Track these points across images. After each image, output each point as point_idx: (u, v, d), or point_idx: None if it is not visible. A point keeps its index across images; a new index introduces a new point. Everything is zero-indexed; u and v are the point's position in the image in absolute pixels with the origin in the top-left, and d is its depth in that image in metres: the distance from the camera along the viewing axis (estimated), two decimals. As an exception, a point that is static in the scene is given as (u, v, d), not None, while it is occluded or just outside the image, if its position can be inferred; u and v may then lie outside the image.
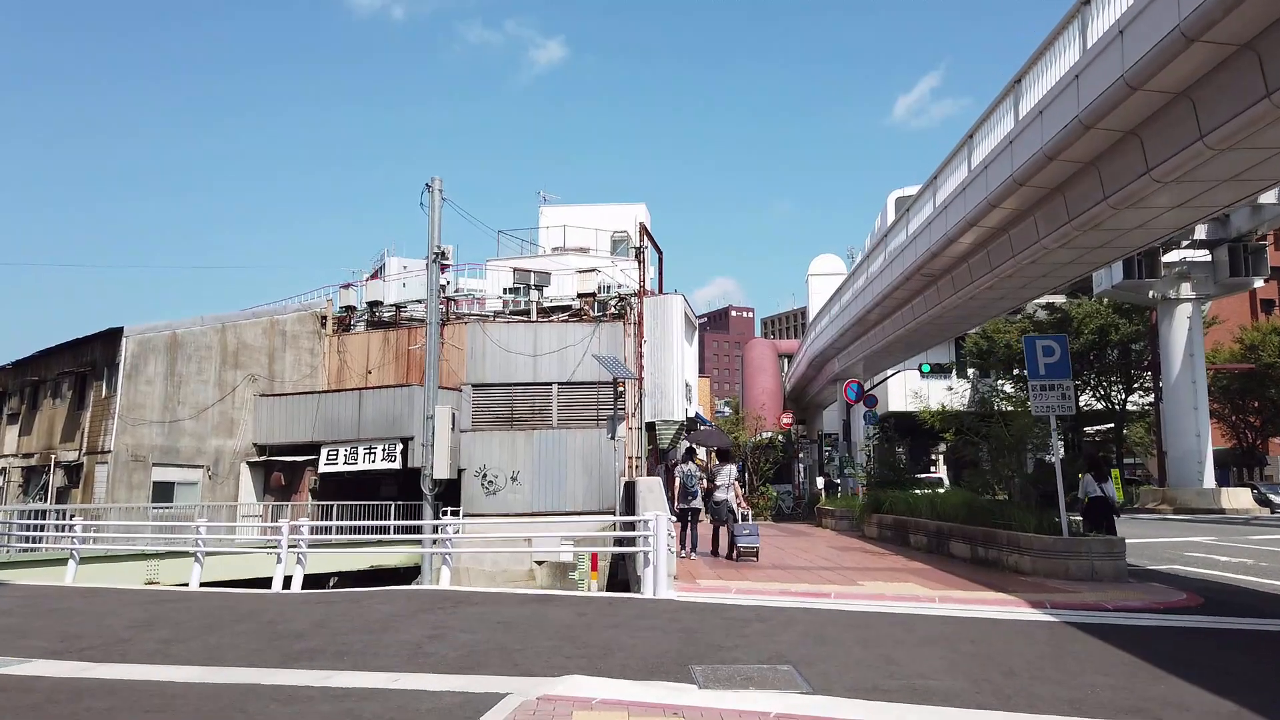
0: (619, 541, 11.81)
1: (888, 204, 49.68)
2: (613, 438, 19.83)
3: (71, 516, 25.23)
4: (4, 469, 31.92)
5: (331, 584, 27.00)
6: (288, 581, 11.17)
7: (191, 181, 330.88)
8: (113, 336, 26.85)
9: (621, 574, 24.53)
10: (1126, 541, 12.59)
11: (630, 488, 15.18)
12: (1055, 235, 15.66)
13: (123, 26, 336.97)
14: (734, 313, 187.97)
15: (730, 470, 15.15)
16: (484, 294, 32.16)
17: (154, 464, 26.83)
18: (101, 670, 6.50)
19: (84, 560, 18.26)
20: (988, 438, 16.10)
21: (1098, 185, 13.82)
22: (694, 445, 19.95)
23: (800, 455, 40.07)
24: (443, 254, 17.02)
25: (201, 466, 28.10)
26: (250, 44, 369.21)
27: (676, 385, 30.17)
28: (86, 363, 28.16)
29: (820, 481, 29.53)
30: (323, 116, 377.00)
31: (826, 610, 9.13)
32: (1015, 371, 44.61)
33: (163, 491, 26.97)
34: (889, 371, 37.35)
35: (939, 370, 42.09)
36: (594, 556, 26.85)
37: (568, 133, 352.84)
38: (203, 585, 21.13)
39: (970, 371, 49.81)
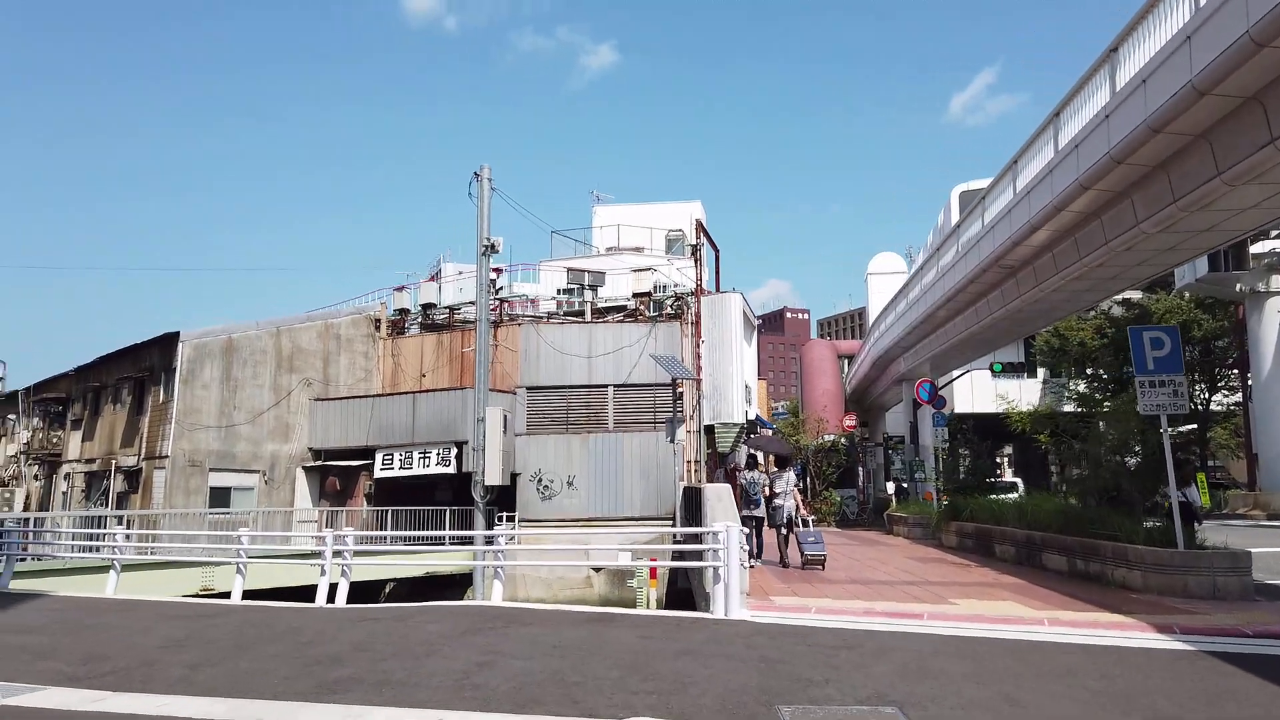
0: (683, 555, 10.86)
1: (951, 199, 48.01)
2: (672, 441, 18.92)
3: (129, 524, 25.23)
4: (69, 474, 32.28)
5: (387, 589, 26.62)
6: (333, 593, 10.49)
7: (253, 178, 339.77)
8: (169, 341, 26.83)
9: (682, 582, 23.62)
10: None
11: (693, 494, 14.27)
12: (1156, 219, 14.32)
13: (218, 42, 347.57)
14: (789, 314, 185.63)
15: (790, 476, 14.92)
16: (538, 296, 31.52)
17: (210, 469, 26.72)
18: (114, 702, 5.81)
19: (137, 568, 18.01)
20: (1088, 440, 14.79)
21: (1209, 160, 12.50)
22: (756, 451, 18.92)
23: (865, 459, 38.65)
24: (492, 246, 16.31)
25: (257, 471, 27.94)
26: (305, 47, 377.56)
27: (736, 387, 29.14)
28: (145, 368, 28.22)
29: (890, 486, 28.18)
30: (374, 119, 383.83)
31: (922, 635, 8.10)
32: (1088, 371, 42.56)
33: (219, 496, 26.85)
34: (955, 372, 35.80)
35: (1009, 370, 40.29)
36: (653, 568, 26.11)
37: (619, 137, 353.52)
38: (252, 593, 20.80)
39: (1040, 371, 47.79)
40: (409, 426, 27.60)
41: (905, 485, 28.32)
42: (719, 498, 9.01)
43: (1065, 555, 13.43)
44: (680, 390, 20.62)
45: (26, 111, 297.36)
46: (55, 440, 33.81)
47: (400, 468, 27.21)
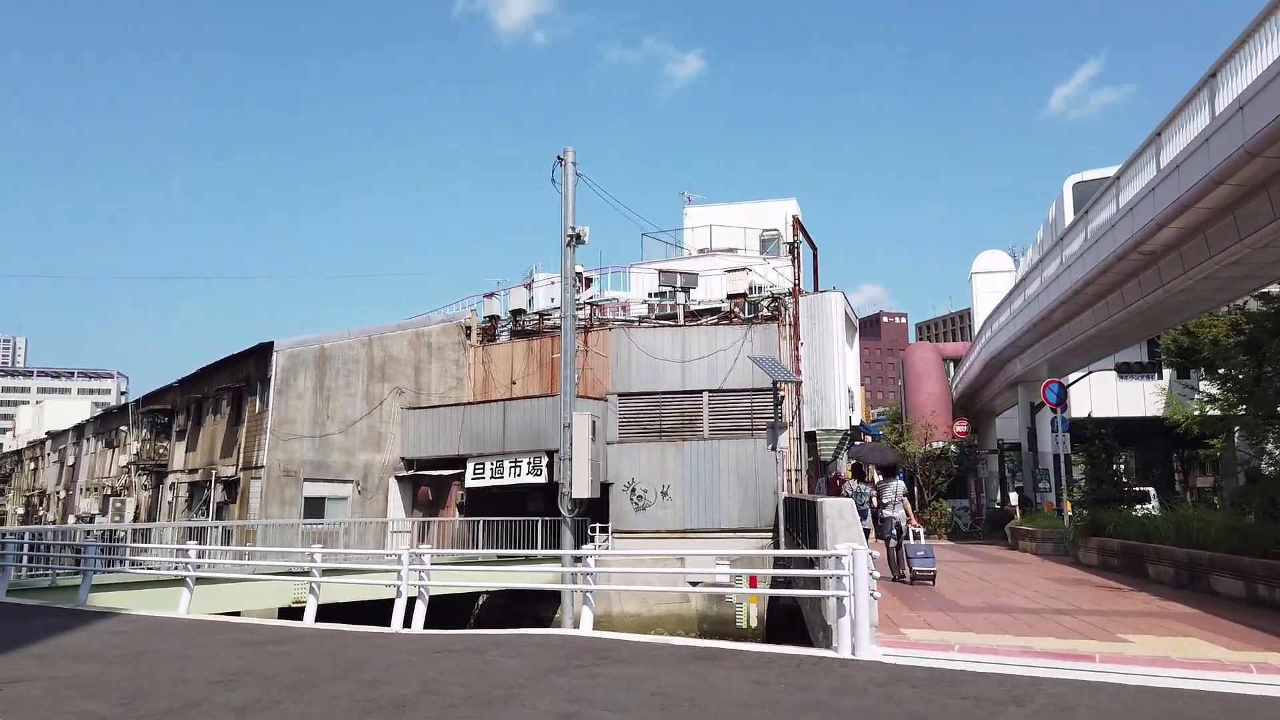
0: (796, 580, 9.55)
1: (1064, 191, 45.17)
2: (773, 449, 17.57)
3: (228, 535, 25.28)
4: (174, 484, 32.93)
5: (481, 600, 26.00)
6: (411, 613, 9.59)
7: (344, 196, 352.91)
8: (264, 352, 26.93)
9: (785, 599, 22.17)
10: None
11: (798, 506, 12.91)
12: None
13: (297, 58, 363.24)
14: (885, 319, 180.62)
15: (898, 485, 14.20)
16: (629, 298, 30.57)
17: (305, 479, 26.65)
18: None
19: (228, 581, 17.73)
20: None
21: None
22: (860, 461, 17.43)
23: (977, 467, 36.25)
24: (578, 236, 15.27)
25: (351, 481, 27.78)
26: (402, 71, 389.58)
27: (838, 391, 27.51)
28: (241, 378, 28.46)
29: (1014, 497, 26.09)
30: (467, 138, 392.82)
31: (1101, 684, 6.60)
32: (1220, 371, 38.99)
33: (314, 507, 26.76)
34: (1074, 375, 33.19)
35: (1132, 370, 37.24)
36: (752, 578, 24.69)
37: (708, 146, 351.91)
38: (332, 608, 20.31)
39: (1167, 372, 44.24)
40: (499, 435, 26.99)
41: (1028, 496, 26.16)
42: (840, 514, 7.69)
43: (1242, 579, 11.53)
44: (782, 393, 19.23)
45: (177, 129, 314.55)
46: (162, 450, 34.62)
47: (491, 477, 26.60)
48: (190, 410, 32.67)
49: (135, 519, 35.38)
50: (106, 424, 44.00)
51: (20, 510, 59.84)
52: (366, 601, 14.35)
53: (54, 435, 57.15)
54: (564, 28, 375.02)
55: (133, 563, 13.75)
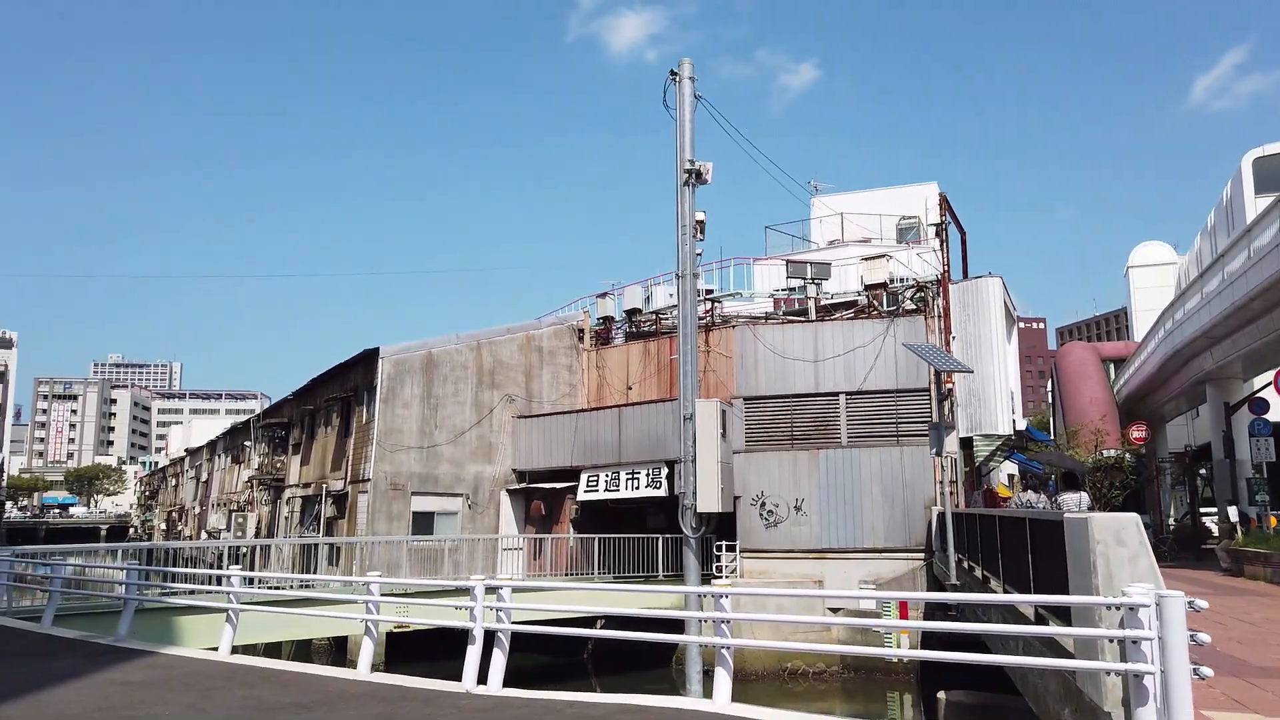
0: (1042, 646, 6.66)
1: (1242, 169, 39.99)
2: (938, 453, 14.60)
3: (335, 553, 23.97)
4: (290, 498, 32.32)
5: (599, 625, 23.73)
6: (487, 661, 7.27)
7: (490, 198, 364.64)
8: (370, 359, 25.72)
9: (939, 618, 18.93)
10: None
11: (1001, 527, 9.86)
12: None
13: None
14: (1021, 323, 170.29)
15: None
16: (753, 292, 27.91)
17: (413, 492, 25.15)
18: None
19: (318, 603, 16.12)
20: None
21: None
22: (1051, 467, 14.31)
23: (1159, 477, 31.63)
24: (698, 173, 12.74)
25: (461, 495, 26.15)
26: (525, 82, 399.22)
27: (998, 391, 23.96)
28: (350, 388, 27.38)
29: (1233, 512, 22.07)
30: (589, 152, 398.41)
31: None
32: None
33: (422, 522, 25.23)
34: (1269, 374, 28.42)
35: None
36: (903, 605, 21.48)
37: (827, 154, 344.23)
38: (407, 639, 18.27)
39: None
40: (615, 445, 24.81)
41: (1244, 511, 22.09)
42: (1118, 537, 4.84)
43: None
44: (949, 386, 16.19)
45: (277, 128, 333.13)
46: (279, 465, 34.19)
47: (606, 490, 24.41)
48: (304, 423, 32.01)
49: (256, 534, 35.09)
50: (234, 440, 44.49)
51: (162, 525, 62.10)
52: (450, 634, 12.25)
53: (191, 452, 58.97)
54: (675, 44, 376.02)
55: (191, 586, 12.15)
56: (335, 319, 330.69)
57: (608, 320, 28.75)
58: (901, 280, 25.48)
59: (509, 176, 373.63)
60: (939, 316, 23.76)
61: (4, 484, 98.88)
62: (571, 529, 25.66)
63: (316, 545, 25.39)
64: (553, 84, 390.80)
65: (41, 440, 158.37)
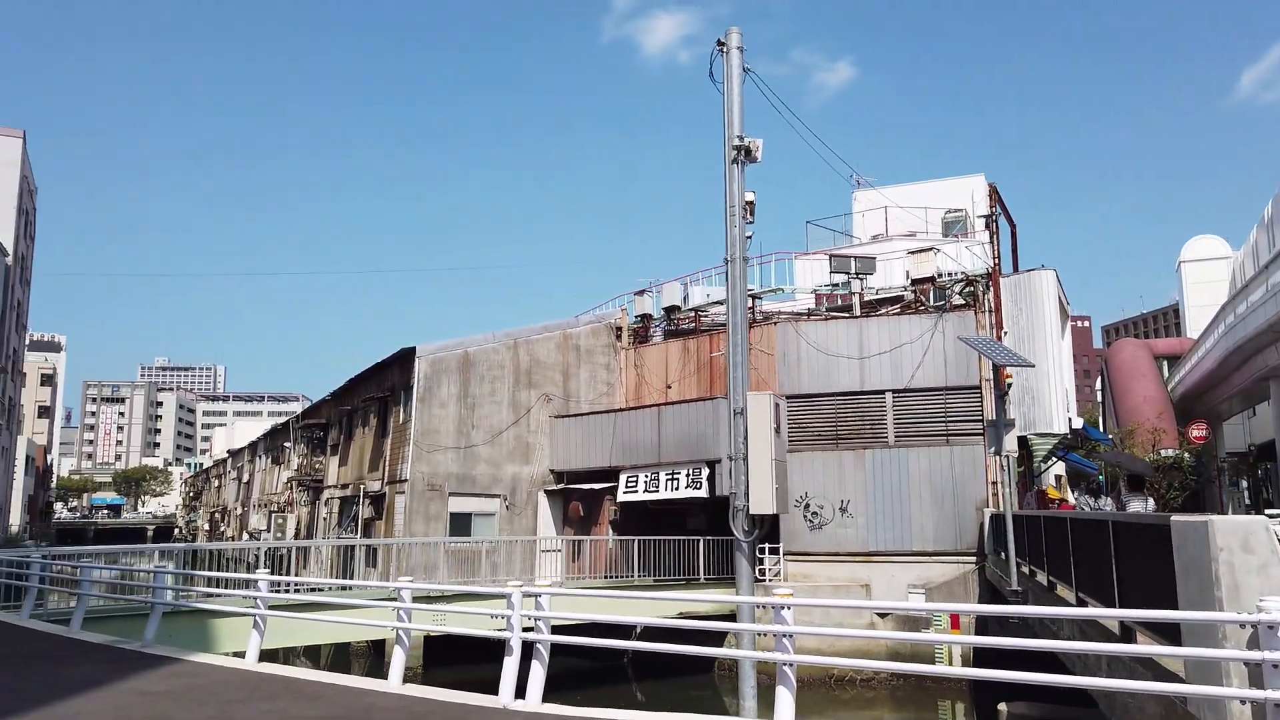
0: (1136, 665, 5.98)
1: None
2: (997, 452, 13.82)
3: (373, 555, 23.72)
4: (328, 499, 32.25)
5: (636, 634, 23.21)
6: (525, 669, 6.78)
7: (500, 193, 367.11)
8: (407, 358, 25.44)
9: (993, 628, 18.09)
10: None
11: (1075, 530, 9.09)
12: None
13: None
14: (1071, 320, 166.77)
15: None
16: (795, 289, 27.21)
17: (450, 493, 24.81)
18: None
19: (350, 608, 15.81)
20: None
21: None
22: (1119, 468, 13.53)
23: (1221, 479, 30.36)
24: (747, 150, 12.08)
25: (498, 496, 25.77)
26: (559, 81, 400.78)
27: (1053, 388, 23.06)
28: (387, 388, 27.17)
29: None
30: (624, 154, 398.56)
31: None
32: None
33: (460, 523, 24.88)
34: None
35: None
36: (954, 618, 20.66)
37: (865, 154, 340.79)
38: (446, 644, 17.80)
39: None
40: (654, 445, 24.26)
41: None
42: (1245, 544, 4.18)
43: None
44: (1009, 381, 15.43)
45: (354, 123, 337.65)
46: (318, 465, 34.16)
47: (645, 490, 23.87)
48: (342, 423, 31.92)
49: (295, 535, 35.12)
50: (274, 441, 44.69)
51: (205, 526, 62.82)
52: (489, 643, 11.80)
53: (233, 454, 59.51)
54: (708, 45, 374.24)
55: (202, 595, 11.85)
56: (370, 318, 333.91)
57: (646, 318, 28.25)
58: (949, 274, 24.65)
59: (509, 176, 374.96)
60: (990, 311, 22.90)
61: (54, 485, 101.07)
62: (610, 530, 25.16)
63: (354, 547, 25.19)
64: (553, 84, 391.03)
65: (90, 442, 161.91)
